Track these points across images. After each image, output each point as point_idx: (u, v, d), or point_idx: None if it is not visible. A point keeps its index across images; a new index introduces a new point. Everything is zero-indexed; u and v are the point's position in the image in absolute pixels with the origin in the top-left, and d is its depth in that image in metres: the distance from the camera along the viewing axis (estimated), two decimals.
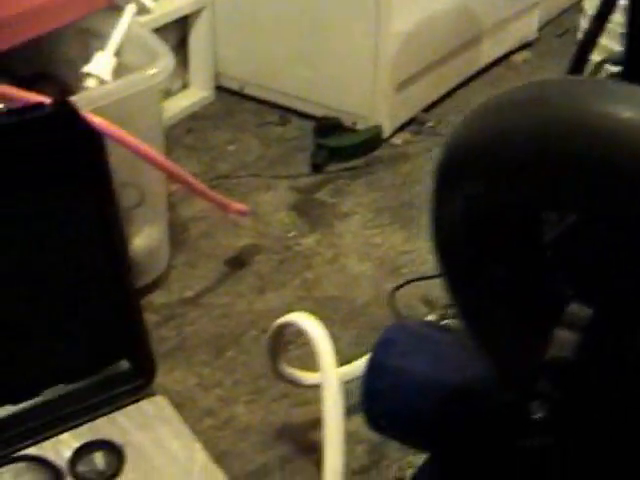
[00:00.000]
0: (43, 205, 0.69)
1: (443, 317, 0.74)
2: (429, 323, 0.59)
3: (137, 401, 0.72)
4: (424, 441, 0.56)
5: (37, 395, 0.72)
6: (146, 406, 0.72)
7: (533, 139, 0.36)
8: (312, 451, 0.74)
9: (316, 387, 0.73)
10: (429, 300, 0.85)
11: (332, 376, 0.62)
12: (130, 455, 0.68)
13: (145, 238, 0.85)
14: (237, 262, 0.92)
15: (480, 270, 0.43)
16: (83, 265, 0.71)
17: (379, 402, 0.55)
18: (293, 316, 0.66)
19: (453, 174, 0.40)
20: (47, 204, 0.69)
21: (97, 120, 0.70)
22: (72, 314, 0.72)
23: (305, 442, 0.74)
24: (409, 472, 0.72)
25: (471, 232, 0.41)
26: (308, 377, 0.73)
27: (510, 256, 0.43)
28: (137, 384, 0.73)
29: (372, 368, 0.55)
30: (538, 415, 0.42)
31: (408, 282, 0.87)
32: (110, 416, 0.71)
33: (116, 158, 0.70)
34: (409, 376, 0.54)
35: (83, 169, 0.69)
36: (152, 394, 0.73)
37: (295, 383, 0.72)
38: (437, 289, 0.80)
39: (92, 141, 0.69)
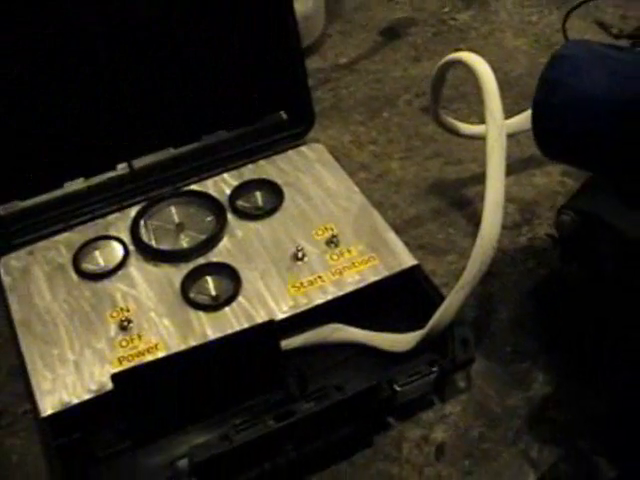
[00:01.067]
0: None
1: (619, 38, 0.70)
2: (607, 44, 0.54)
3: (296, 147, 0.72)
4: (594, 163, 0.53)
5: (197, 140, 0.72)
6: (306, 151, 0.71)
7: None
8: (464, 205, 0.72)
9: (473, 140, 0.72)
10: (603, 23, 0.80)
11: (499, 116, 0.58)
12: (289, 193, 0.68)
13: (302, 3, 0.82)
14: (392, 33, 0.89)
15: None
16: (251, 12, 0.69)
17: (551, 120, 0.52)
18: (462, 54, 0.62)
19: None
20: None
21: None
22: (237, 63, 0.71)
23: (457, 196, 0.72)
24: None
25: None
26: (470, 127, 0.70)
27: None
28: (296, 131, 0.72)
29: (544, 83, 0.52)
30: None
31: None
32: (270, 159, 0.71)
33: None
34: (584, 92, 0.51)
35: None
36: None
37: (455, 131, 0.70)
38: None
39: None
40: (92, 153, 0.70)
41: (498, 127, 0.58)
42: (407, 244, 0.66)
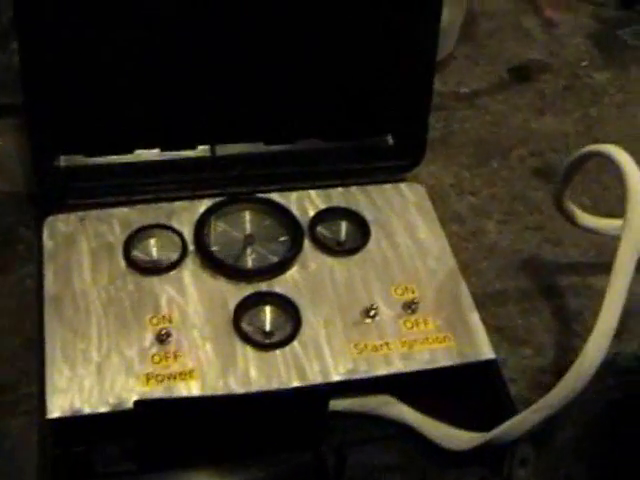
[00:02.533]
0: None
1: None
2: None
3: (396, 182, 0.62)
4: None
5: (290, 142, 0.62)
6: (405, 189, 0.61)
7: None
8: (554, 294, 0.62)
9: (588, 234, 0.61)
10: None
11: (637, 232, 0.48)
12: (376, 234, 0.58)
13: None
14: (521, 74, 0.78)
15: None
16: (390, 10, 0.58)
17: None
18: (608, 148, 0.52)
19: None
20: None
21: None
22: (355, 64, 0.60)
23: (549, 282, 0.62)
24: None
25: None
26: (591, 219, 0.60)
27: None
28: (401, 164, 0.62)
29: None
30: None
31: None
32: (363, 188, 0.61)
33: None
34: None
35: None
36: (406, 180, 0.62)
37: (572, 219, 0.59)
38: None
39: None
40: (174, 124, 0.60)
41: (633, 245, 0.48)
42: (484, 321, 0.57)
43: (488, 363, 0.53)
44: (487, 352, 0.53)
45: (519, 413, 0.49)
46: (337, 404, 0.51)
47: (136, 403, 0.47)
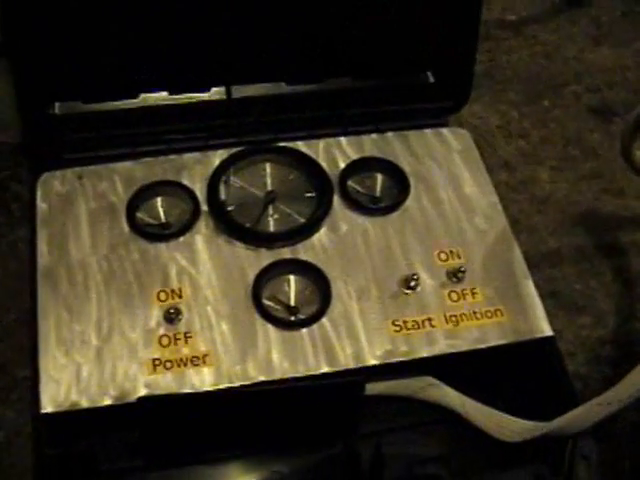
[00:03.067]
0: None
1: None
2: None
3: (437, 126, 0.53)
4: None
5: (316, 81, 0.52)
6: (448, 135, 0.52)
7: None
8: (616, 253, 0.54)
9: None
10: None
11: None
12: (416, 188, 0.49)
13: None
14: None
15: None
16: None
17: None
18: None
19: None
20: None
21: None
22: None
23: (610, 239, 0.54)
24: None
25: None
26: None
27: None
28: (443, 105, 0.53)
29: None
30: None
31: None
32: (401, 134, 0.52)
33: None
34: None
35: None
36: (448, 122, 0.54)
37: None
38: None
39: None
40: (184, 63, 0.51)
41: None
42: (536, 285, 0.49)
43: (545, 341, 0.45)
44: (544, 328, 0.45)
45: (581, 403, 0.41)
46: (373, 387, 0.44)
47: (140, 400, 0.40)
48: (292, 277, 0.46)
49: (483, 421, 0.44)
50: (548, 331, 0.45)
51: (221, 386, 0.42)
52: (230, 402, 0.41)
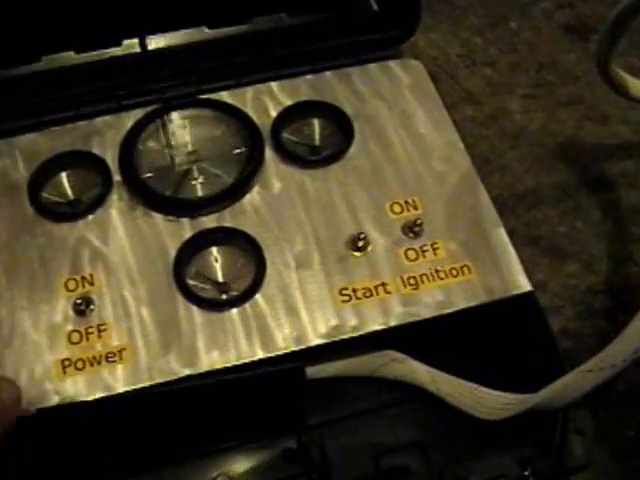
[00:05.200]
0: None
1: None
2: None
3: (382, 59, 0.44)
4: None
5: (244, 22, 0.44)
6: (396, 68, 0.43)
7: None
8: (603, 187, 0.44)
9: None
10: None
11: None
12: (361, 132, 0.40)
13: None
14: None
15: None
16: None
17: None
18: None
19: None
20: None
21: None
22: None
23: (596, 171, 0.45)
24: None
25: None
26: None
27: None
28: (388, 35, 0.43)
29: None
30: None
31: None
32: (341, 72, 0.43)
33: None
34: None
35: None
36: (401, 54, 0.44)
37: (623, 91, 0.41)
38: None
39: None
40: (89, 17, 0.42)
41: None
42: (513, 232, 0.40)
43: (523, 298, 0.36)
44: (521, 283, 0.36)
45: (573, 365, 0.32)
46: (324, 369, 0.35)
47: (39, 412, 0.32)
48: (219, 249, 0.37)
49: (458, 397, 0.35)
50: (526, 286, 0.36)
51: (138, 386, 0.34)
52: (146, 405, 0.33)
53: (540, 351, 0.36)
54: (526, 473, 0.34)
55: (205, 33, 0.43)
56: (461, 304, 0.36)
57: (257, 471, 0.34)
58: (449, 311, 0.35)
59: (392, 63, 0.43)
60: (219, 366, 0.34)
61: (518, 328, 0.36)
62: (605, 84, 0.40)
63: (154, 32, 0.43)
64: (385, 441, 0.35)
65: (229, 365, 0.34)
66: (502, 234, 0.38)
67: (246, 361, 0.34)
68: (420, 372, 0.36)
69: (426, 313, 0.35)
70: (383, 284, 0.36)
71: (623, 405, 0.38)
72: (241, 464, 0.34)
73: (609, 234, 0.42)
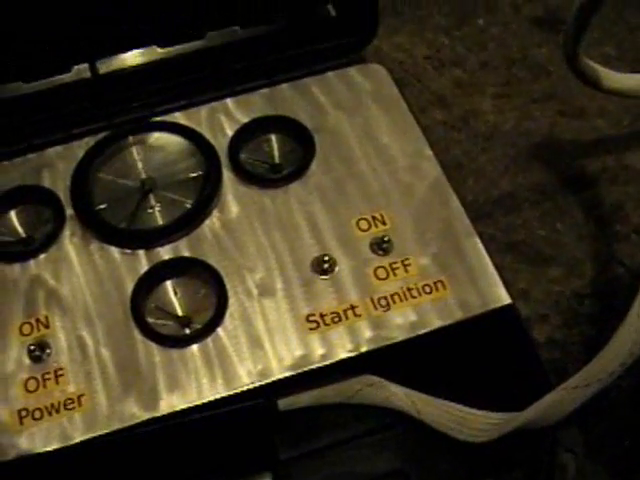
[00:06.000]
0: None
1: None
2: None
3: (343, 67, 0.41)
4: None
5: (196, 38, 0.41)
6: (357, 75, 0.40)
7: None
8: (584, 185, 0.42)
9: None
10: None
11: None
12: (322, 146, 0.38)
13: None
14: None
15: None
16: None
17: None
18: None
19: None
20: None
21: None
22: None
23: (575, 169, 0.42)
24: None
25: None
26: (624, 77, 0.38)
27: None
28: (346, 41, 0.41)
29: None
30: None
31: None
32: (299, 82, 0.40)
33: None
34: None
35: None
36: (364, 61, 0.42)
37: (595, 82, 0.38)
38: None
39: None
40: (37, 44, 0.39)
41: None
42: (490, 238, 0.38)
43: (502, 312, 0.34)
44: (499, 296, 0.34)
45: (562, 377, 0.30)
46: (298, 399, 0.33)
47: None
48: (177, 281, 0.35)
49: (440, 420, 0.33)
50: (505, 299, 0.34)
51: (97, 433, 0.31)
52: (105, 453, 0.30)
53: (523, 366, 0.33)
54: None
55: (157, 52, 0.41)
56: (436, 323, 0.33)
57: None
58: (424, 331, 0.33)
59: (352, 70, 0.40)
60: (180, 407, 0.31)
61: (498, 344, 0.33)
62: (576, 78, 0.38)
63: (105, 56, 0.41)
64: (366, 471, 0.32)
65: (191, 405, 0.31)
66: (477, 244, 0.35)
67: (208, 400, 0.32)
68: (399, 396, 0.33)
69: (399, 335, 0.33)
70: (352, 307, 0.33)
71: (616, 414, 0.36)
72: None
73: (592, 234, 0.40)
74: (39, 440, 0.31)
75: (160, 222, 0.36)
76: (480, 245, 0.35)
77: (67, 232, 0.36)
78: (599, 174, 0.41)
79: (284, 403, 0.33)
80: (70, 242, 0.36)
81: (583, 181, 0.41)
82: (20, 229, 0.37)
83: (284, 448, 0.32)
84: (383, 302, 0.34)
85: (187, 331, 0.33)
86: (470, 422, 0.32)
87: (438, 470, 0.32)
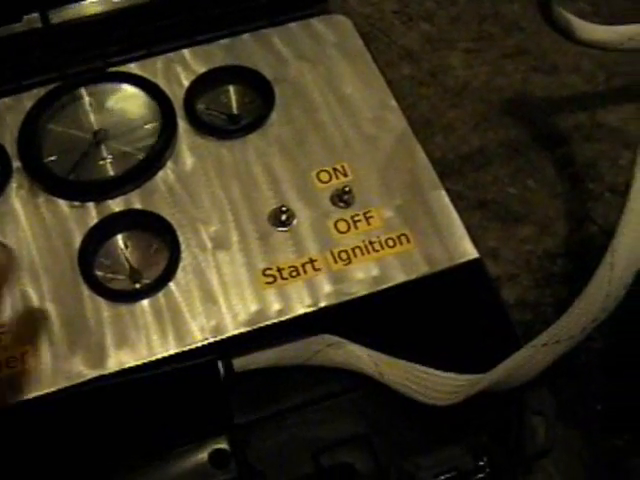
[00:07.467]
0: None
1: None
2: None
3: (305, 17, 0.39)
4: None
5: None
6: (319, 25, 0.38)
7: None
8: (556, 142, 0.40)
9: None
10: None
11: None
12: (282, 97, 0.36)
13: None
14: None
15: None
16: None
17: None
18: None
19: None
20: None
21: None
22: None
23: (547, 126, 0.41)
24: None
25: None
26: (598, 29, 0.36)
27: None
28: None
29: None
30: None
31: None
32: (260, 32, 0.38)
33: None
34: None
35: None
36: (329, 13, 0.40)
37: (569, 33, 0.36)
38: None
39: None
40: None
41: None
42: (460, 196, 0.36)
43: (469, 267, 0.32)
44: (465, 250, 0.32)
45: (532, 339, 0.28)
46: (254, 359, 0.31)
47: None
48: (128, 234, 0.32)
49: (404, 383, 0.31)
50: (472, 253, 0.32)
51: (41, 392, 0.29)
52: (50, 413, 0.28)
53: (491, 325, 0.31)
54: (481, 463, 0.29)
55: (111, 2, 0.39)
56: (400, 278, 0.31)
57: (184, 479, 0.30)
58: (386, 286, 0.31)
59: (315, 21, 0.38)
60: (129, 365, 0.30)
61: (465, 301, 0.32)
62: (549, 27, 0.36)
63: (57, 5, 0.39)
64: (326, 436, 0.30)
65: (139, 363, 0.30)
66: (443, 197, 0.33)
67: (159, 357, 0.30)
68: (361, 357, 0.31)
69: (360, 290, 0.31)
70: (311, 261, 0.32)
71: (587, 377, 0.34)
72: (166, 472, 0.30)
73: (565, 192, 0.38)
74: None
75: (112, 174, 0.34)
76: (447, 198, 0.33)
77: (14, 184, 0.34)
78: (572, 131, 0.40)
79: (239, 363, 0.31)
80: (17, 195, 0.34)
81: (556, 138, 0.40)
82: None
83: (240, 411, 0.30)
84: (344, 256, 0.32)
85: (137, 286, 0.31)
86: (435, 384, 0.30)
87: (402, 435, 0.31)
